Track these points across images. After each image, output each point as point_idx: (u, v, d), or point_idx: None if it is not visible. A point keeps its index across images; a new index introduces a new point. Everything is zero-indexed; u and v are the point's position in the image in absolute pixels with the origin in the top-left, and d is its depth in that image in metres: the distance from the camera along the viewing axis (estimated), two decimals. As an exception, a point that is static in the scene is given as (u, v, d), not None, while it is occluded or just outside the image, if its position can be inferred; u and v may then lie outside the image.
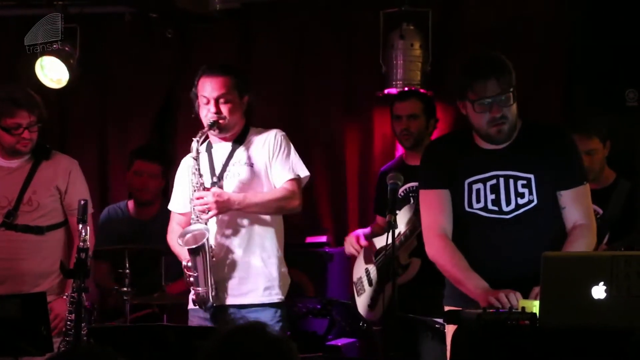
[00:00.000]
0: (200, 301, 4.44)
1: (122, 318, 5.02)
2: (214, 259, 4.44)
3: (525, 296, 3.60)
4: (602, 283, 3.27)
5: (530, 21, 5.93)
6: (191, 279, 4.43)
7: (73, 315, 4.37)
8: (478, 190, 3.83)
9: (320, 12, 6.35)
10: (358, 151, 6.29)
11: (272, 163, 4.54)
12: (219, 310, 4.48)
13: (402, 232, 4.85)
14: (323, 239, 6.13)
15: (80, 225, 4.08)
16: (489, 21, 5.98)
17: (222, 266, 4.48)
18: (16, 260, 4.96)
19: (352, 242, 5.14)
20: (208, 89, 4.49)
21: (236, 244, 4.51)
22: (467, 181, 3.83)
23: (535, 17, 5.93)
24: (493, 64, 3.79)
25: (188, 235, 4.43)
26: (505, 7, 6.00)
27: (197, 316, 4.55)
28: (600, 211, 4.91)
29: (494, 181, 3.81)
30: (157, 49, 6.50)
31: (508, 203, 3.81)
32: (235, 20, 6.44)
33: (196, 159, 4.47)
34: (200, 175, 4.46)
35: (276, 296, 4.53)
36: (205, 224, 4.43)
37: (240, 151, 4.57)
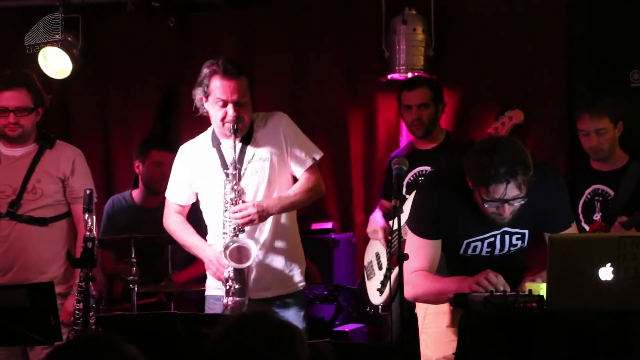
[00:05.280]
0: (239, 309, 4.39)
1: (129, 305, 5.05)
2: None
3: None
4: (609, 265, 3.28)
5: (531, 4, 5.91)
6: (232, 289, 4.40)
7: (81, 305, 4.38)
8: (475, 247, 3.88)
9: (322, -2, 6.34)
10: (362, 137, 6.27)
11: (289, 155, 4.53)
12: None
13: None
14: (328, 225, 6.13)
15: (87, 215, 4.07)
16: (490, 4, 5.96)
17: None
18: (20, 250, 4.97)
19: (383, 235, 5.08)
20: (226, 91, 4.39)
21: (261, 242, 4.51)
22: (466, 241, 3.86)
23: (536, 0, 5.91)
24: (514, 167, 3.54)
25: (232, 246, 4.39)
26: (506, -10, 5.98)
27: (217, 304, 4.52)
28: (612, 193, 4.88)
29: (491, 239, 3.87)
30: (160, 38, 6.49)
31: (501, 251, 3.90)
32: (236, 7, 6.43)
33: (234, 174, 4.43)
34: (238, 192, 4.41)
35: (299, 284, 4.61)
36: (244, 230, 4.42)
37: (252, 147, 4.52)
